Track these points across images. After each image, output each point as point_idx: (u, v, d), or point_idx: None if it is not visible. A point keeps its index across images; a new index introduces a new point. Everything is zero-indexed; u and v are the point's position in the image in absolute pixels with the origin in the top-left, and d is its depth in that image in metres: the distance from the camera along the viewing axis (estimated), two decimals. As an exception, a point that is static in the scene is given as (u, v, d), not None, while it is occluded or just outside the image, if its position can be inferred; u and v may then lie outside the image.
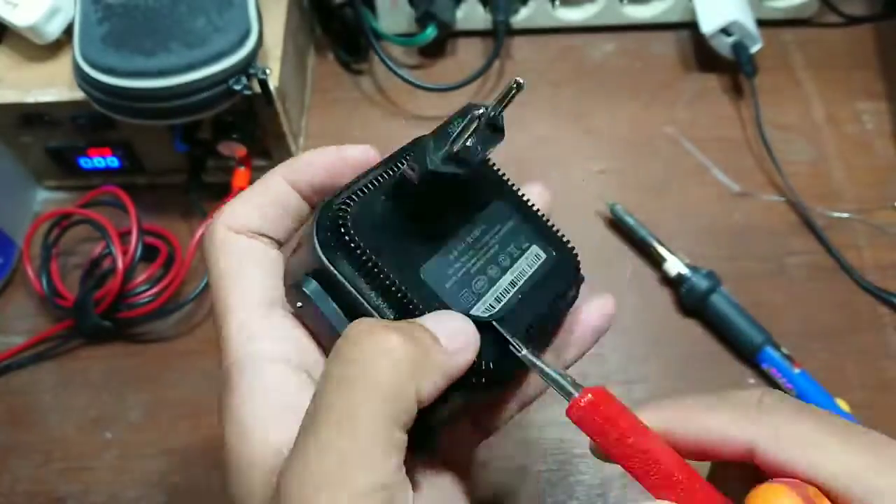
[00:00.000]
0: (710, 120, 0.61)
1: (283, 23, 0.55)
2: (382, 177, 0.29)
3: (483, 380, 0.26)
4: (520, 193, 0.32)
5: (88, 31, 0.47)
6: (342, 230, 0.26)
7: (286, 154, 0.57)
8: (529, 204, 0.32)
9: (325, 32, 0.65)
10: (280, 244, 0.30)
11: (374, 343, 0.24)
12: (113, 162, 0.56)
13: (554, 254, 0.31)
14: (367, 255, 0.26)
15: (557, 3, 0.64)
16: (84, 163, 0.56)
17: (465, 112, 0.27)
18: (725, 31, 0.60)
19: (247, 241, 0.29)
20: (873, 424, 0.47)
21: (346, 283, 0.26)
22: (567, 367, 0.33)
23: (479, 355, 0.26)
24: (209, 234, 0.29)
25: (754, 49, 0.60)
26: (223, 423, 0.26)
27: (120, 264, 0.50)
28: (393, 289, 0.26)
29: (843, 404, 0.47)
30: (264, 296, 0.28)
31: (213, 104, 0.48)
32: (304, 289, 0.27)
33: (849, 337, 0.52)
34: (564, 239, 0.32)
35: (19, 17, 0.50)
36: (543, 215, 0.32)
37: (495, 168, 0.32)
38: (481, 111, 0.27)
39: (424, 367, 0.24)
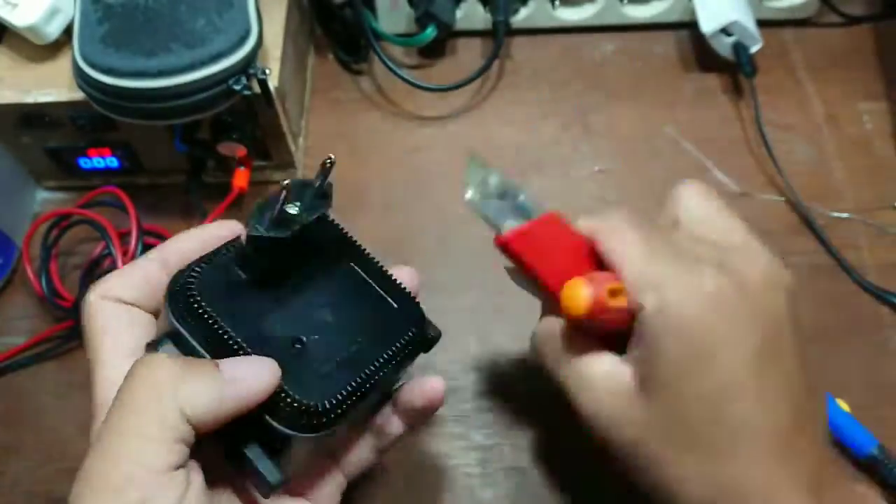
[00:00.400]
0: (710, 120, 0.61)
1: (282, 23, 0.55)
2: (232, 246, 0.34)
3: (301, 420, 0.31)
4: (371, 257, 0.37)
5: (88, 32, 0.47)
6: (188, 295, 0.31)
7: (286, 154, 0.57)
8: (379, 265, 0.37)
9: (325, 33, 0.65)
10: (156, 315, 0.34)
11: (142, 364, 0.29)
12: (112, 162, 0.56)
13: (396, 308, 0.36)
14: (210, 314, 0.31)
15: (557, 3, 0.64)
16: (84, 163, 0.56)
17: (287, 186, 0.32)
18: (725, 31, 0.60)
19: (114, 306, 0.33)
20: (873, 424, 0.47)
21: (191, 340, 0.31)
22: (390, 442, 0.38)
23: (287, 395, 0.30)
24: (84, 302, 0.33)
25: (754, 49, 0.60)
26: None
27: (120, 265, 0.49)
28: (225, 339, 0.31)
29: (842, 404, 0.47)
30: (131, 349, 0.32)
31: (212, 104, 0.48)
32: (158, 348, 0.31)
33: (849, 337, 0.52)
34: (412, 296, 0.37)
35: (19, 18, 0.50)
36: (392, 276, 0.37)
37: (348, 235, 0.38)
38: (289, 182, 0.32)
39: (187, 383, 0.28)
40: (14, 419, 0.51)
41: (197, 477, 0.29)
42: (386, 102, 0.63)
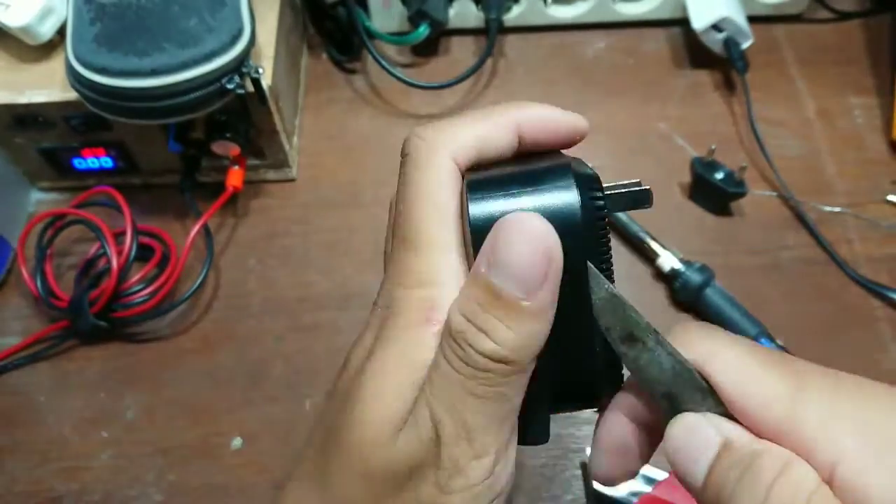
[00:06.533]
0: (703, 116, 0.62)
1: (275, 22, 0.55)
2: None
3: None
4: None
5: (81, 32, 0.47)
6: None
7: (280, 152, 0.57)
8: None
9: (318, 32, 0.65)
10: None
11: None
12: (107, 162, 0.56)
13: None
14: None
15: (549, 0, 0.65)
16: (78, 163, 0.56)
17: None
18: (717, 27, 0.60)
19: (454, 170, 0.26)
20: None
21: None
22: None
23: None
24: (424, 161, 0.26)
25: (745, 45, 0.61)
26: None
27: (115, 264, 0.50)
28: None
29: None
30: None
31: (206, 103, 0.48)
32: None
33: (841, 329, 0.52)
34: None
35: (12, 18, 0.50)
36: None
37: None
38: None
39: None
40: (10, 419, 0.51)
41: None
42: (379, 101, 0.63)
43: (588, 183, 0.24)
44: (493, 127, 0.27)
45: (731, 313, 0.50)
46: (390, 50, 0.66)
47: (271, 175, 0.59)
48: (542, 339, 0.23)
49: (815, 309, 0.53)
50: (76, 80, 0.47)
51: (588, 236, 0.24)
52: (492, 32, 0.62)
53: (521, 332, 0.23)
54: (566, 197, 0.24)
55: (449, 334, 0.23)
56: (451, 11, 0.64)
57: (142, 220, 0.54)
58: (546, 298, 0.23)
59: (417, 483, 0.24)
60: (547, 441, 0.26)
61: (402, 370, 0.24)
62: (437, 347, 0.24)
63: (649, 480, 0.45)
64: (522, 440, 0.26)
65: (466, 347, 0.23)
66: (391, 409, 0.24)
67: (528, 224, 0.23)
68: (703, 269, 0.52)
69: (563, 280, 0.23)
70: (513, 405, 0.24)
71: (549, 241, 0.23)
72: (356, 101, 0.64)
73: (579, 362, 0.25)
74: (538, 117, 0.28)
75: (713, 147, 0.55)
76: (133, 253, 0.50)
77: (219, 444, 0.49)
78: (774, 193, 0.57)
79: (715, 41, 0.61)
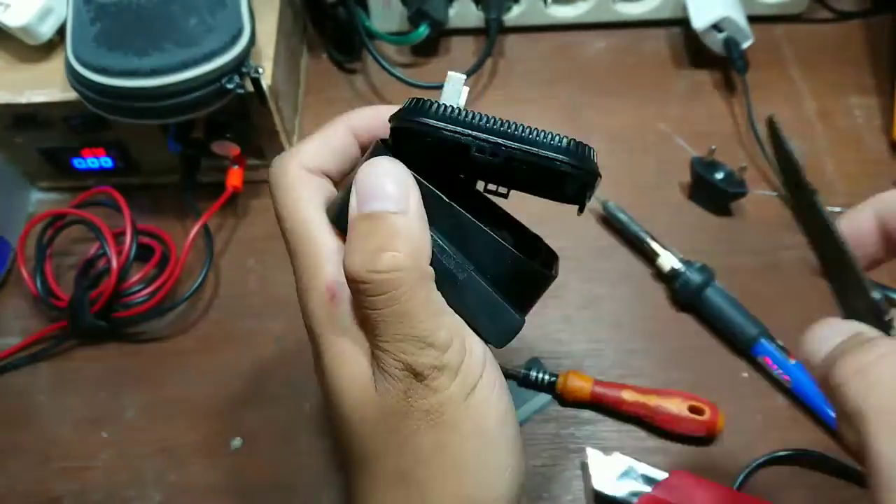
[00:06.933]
0: (703, 116, 0.62)
1: (275, 22, 0.55)
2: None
3: None
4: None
5: (81, 31, 0.47)
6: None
7: (280, 152, 0.56)
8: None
9: (318, 32, 0.65)
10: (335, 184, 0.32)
11: None
12: (107, 162, 0.56)
13: None
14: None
15: (549, 0, 0.65)
16: (78, 163, 0.56)
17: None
18: (717, 27, 0.60)
19: (310, 176, 0.30)
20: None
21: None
22: None
23: None
24: (281, 173, 0.30)
25: (746, 45, 0.61)
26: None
27: (114, 264, 0.50)
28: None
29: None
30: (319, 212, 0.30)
31: (206, 103, 0.48)
32: None
33: (841, 330, 0.52)
34: None
35: (11, 18, 0.50)
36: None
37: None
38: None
39: None
40: (10, 419, 0.51)
41: None
42: (379, 101, 0.63)
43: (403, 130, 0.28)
44: (330, 132, 0.31)
45: (731, 313, 0.50)
46: (390, 50, 0.66)
47: (271, 175, 0.59)
48: (427, 239, 0.27)
49: (815, 309, 0.52)
50: (76, 79, 0.47)
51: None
52: (492, 32, 0.62)
53: (410, 237, 0.26)
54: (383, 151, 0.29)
55: (353, 287, 0.27)
56: (451, 11, 0.64)
57: (142, 220, 0.54)
58: (414, 204, 0.27)
59: (412, 409, 0.27)
60: (518, 324, 0.30)
61: (343, 346, 0.28)
62: (351, 310, 0.28)
63: (649, 480, 0.45)
64: (497, 339, 0.30)
65: (371, 277, 0.26)
66: (358, 380, 0.28)
67: (374, 162, 0.28)
68: (703, 269, 0.52)
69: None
70: (438, 305, 0.27)
71: (390, 162, 0.28)
72: (356, 101, 0.63)
73: (500, 252, 0.29)
74: (366, 115, 0.32)
75: (713, 147, 0.55)
76: (133, 253, 0.50)
77: (219, 444, 0.49)
78: (774, 193, 0.57)
79: (715, 41, 0.61)
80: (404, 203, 0.27)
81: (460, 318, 0.28)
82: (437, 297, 0.28)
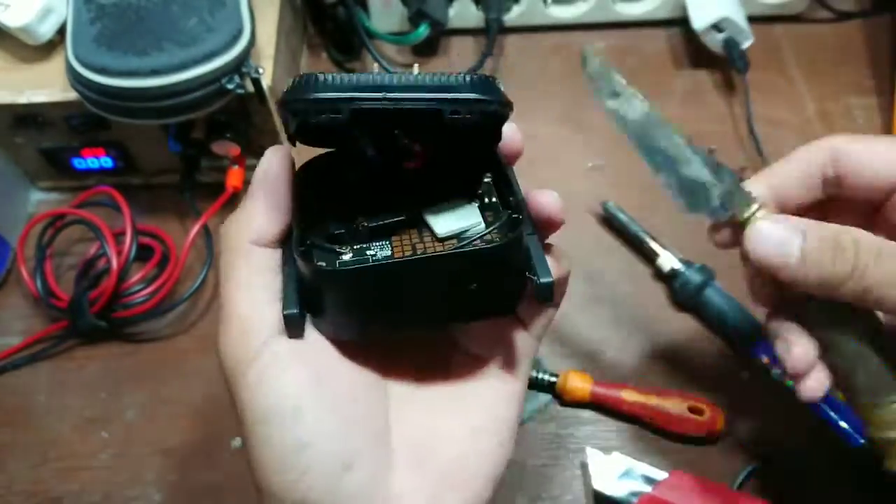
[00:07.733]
0: (702, 116, 0.62)
1: (275, 22, 0.55)
2: None
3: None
4: None
5: (81, 32, 0.47)
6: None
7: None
8: None
9: (318, 32, 0.65)
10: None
11: None
12: (107, 162, 0.56)
13: None
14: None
15: (549, 0, 0.65)
16: (78, 163, 0.56)
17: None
18: (716, 27, 0.60)
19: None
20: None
21: None
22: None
23: None
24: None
25: (745, 45, 0.61)
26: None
27: (114, 264, 0.50)
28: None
29: (840, 395, 0.47)
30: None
31: (206, 103, 0.48)
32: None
33: (841, 330, 0.52)
34: None
35: (11, 18, 0.50)
36: None
37: None
38: None
39: None
40: (10, 419, 0.51)
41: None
42: (379, 101, 0.63)
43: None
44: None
45: (731, 313, 0.50)
46: (390, 50, 0.66)
47: (271, 175, 0.59)
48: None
49: (815, 309, 0.53)
50: (76, 79, 0.47)
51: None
52: (492, 32, 0.62)
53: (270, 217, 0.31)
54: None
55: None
56: (451, 11, 0.64)
57: (142, 220, 0.54)
58: (279, 187, 0.31)
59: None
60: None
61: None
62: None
63: (649, 480, 0.45)
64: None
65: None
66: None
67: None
68: (703, 269, 0.52)
69: None
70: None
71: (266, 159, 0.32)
72: (356, 101, 0.63)
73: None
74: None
75: (713, 147, 0.55)
76: (133, 253, 0.50)
77: (219, 444, 0.49)
78: (774, 193, 0.57)
79: (715, 41, 0.61)
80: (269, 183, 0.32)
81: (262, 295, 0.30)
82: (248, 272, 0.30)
